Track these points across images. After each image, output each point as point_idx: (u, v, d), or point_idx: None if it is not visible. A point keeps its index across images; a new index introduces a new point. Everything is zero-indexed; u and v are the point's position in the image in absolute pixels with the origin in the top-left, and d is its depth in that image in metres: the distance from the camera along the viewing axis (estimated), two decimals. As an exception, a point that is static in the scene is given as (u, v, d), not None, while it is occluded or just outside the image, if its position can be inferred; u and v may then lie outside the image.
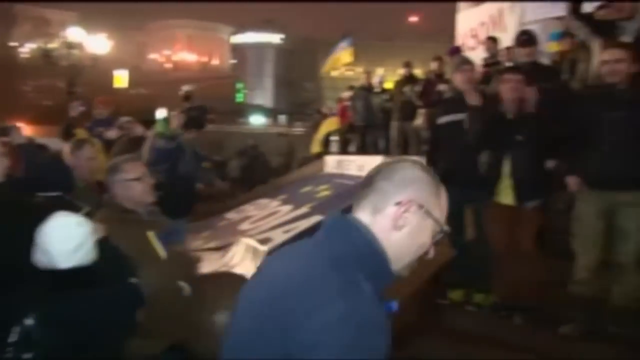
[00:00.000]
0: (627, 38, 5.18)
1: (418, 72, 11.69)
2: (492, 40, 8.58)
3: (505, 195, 4.39)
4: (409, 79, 9.98)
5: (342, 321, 1.22)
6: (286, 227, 7.53)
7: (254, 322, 1.36)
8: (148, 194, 3.15)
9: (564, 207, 4.78)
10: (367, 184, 1.47)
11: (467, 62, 5.35)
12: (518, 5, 9.20)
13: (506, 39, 8.31)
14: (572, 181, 4.12)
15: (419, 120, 8.98)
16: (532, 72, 5.28)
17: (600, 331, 4.04)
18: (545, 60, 7.42)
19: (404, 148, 9.61)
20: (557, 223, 4.88)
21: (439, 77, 8.67)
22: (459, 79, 5.01)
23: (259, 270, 1.53)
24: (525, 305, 4.40)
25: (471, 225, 4.92)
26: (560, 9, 8.80)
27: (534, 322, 4.35)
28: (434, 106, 6.24)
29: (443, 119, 4.97)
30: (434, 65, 9.17)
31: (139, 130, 6.30)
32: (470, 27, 10.92)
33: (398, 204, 1.43)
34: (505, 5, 9.73)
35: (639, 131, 3.78)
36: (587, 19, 5.47)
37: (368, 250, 1.39)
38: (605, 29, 5.31)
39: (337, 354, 1.21)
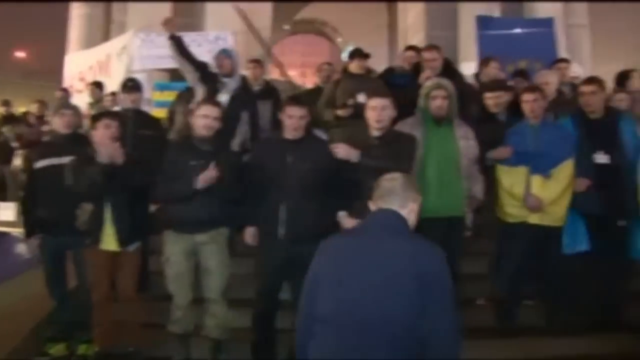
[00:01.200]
0: (225, 94, 5.72)
1: (22, 110, 10.89)
2: (97, 85, 8.54)
3: (108, 242, 4.36)
4: (9, 118, 9.22)
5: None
6: None
7: (381, 277, 2.30)
8: None
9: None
10: (392, 191, 2.53)
11: (68, 106, 5.23)
12: (126, 54, 9.40)
13: (112, 85, 8.40)
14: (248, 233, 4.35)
15: (17, 162, 8.32)
16: (135, 118, 5.44)
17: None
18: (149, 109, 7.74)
19: (1, 192, 8.76)
20: (159, 265, 5.03)
21: (40, 118, 8.23)
22: (58, 123, 4.86)
23: (345, 251, 2.48)
24: (127, 349, 4.41)
25: (72, 274, 4.76)
26: (166, 62, 9.37)
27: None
28: (32, 148, 5.85)
29: (40, 163, 4.72)
30: (33, 107, 8.69)
31: None
32: (79, 70, 10.68)
33: (414, 201, 2.55)
34: (114, 52, 9.85)
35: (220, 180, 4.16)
36: (202, 66, 5.84)
37: (410, 227, 2.54)
38: (210, 80, 5.77)
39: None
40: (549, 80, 5.71)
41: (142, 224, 4.53)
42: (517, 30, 9.13)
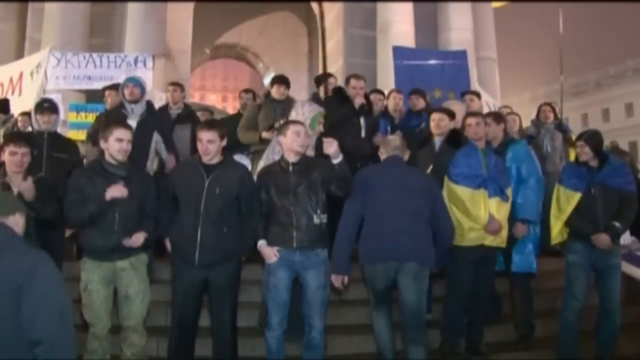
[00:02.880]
0: (133, 120, 5.57)
1: None
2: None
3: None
4: None
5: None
6: None
7: (411, 195, 4.29)
8: None
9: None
10: (397, 146, 4.50)
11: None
12: (41, 72, 9.04)
13: (23, 104, 8.09)
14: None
15: None
16: (50, 141, 5.25)
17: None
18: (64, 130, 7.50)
19: None
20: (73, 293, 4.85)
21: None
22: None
23: (383, 173, 4.47)
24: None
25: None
26: (82, 83, 9.13)
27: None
28: None
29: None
30: None
31: None
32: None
33: (406, 153, 4.56)
34: (28, 70, 9.47)
35: (137, 203, 4.15)
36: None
37: None
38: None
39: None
40: (454, 109, 5.86)
41: (54, 252, 4.34)
42: (432, 61, 9.54)
